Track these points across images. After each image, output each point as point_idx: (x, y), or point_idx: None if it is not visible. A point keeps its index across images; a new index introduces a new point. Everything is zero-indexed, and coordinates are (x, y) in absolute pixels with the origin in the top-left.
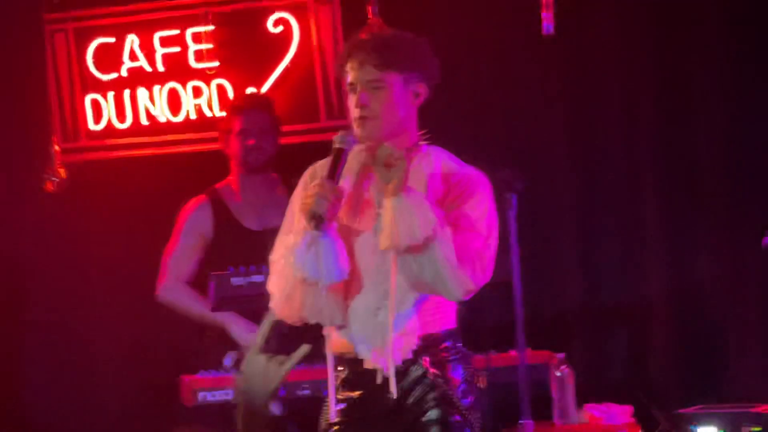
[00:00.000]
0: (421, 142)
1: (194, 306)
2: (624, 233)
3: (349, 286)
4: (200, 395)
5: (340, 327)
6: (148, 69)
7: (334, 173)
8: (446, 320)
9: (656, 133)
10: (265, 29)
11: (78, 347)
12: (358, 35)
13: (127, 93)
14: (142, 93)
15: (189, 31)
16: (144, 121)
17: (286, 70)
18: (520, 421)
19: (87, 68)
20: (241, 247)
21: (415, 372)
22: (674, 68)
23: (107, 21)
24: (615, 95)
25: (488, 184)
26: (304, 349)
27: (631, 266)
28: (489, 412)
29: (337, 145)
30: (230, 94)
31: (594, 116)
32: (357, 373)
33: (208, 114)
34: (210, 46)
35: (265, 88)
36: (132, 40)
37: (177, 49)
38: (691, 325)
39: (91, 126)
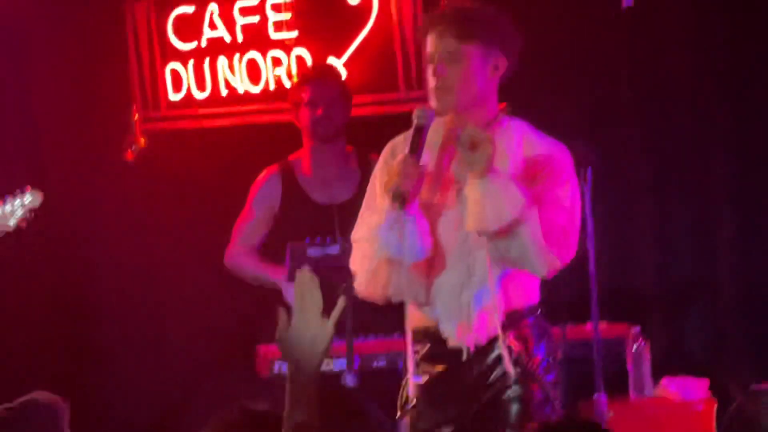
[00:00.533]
0: (502, 115)
1: (258, 270)
2: (699, 207)
3: (432, 264)
4: (276, 365)
5: (424, 304)
6: (228, 39)
7: (415, 150)
8: (529, 296)
9: (731, 108)
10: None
11: (153, 317)
12: (439, 6)
13: (206, 63)
14: (221, 63)
15: (269, 2)
16: (223, 91)
17: (366, 40)
18: (594, 396)
19: (167, 38)
20: (308, 220)
21: (499, 348)
22: (748, 45)
23: None
24: (688, 70)
25: (570, 158)
26: (342, 302)
27: (706, 240)
28: (564, 386)
29: (417, 121)
30: (309, 64)
31: (667, 88)
32: (440, 349)
33: (288, 84)
34: (289, 16)
35: (344, 59)
36: (212, 10)
37: (256, 18)
38: (765, 303)
39: (171, 96)
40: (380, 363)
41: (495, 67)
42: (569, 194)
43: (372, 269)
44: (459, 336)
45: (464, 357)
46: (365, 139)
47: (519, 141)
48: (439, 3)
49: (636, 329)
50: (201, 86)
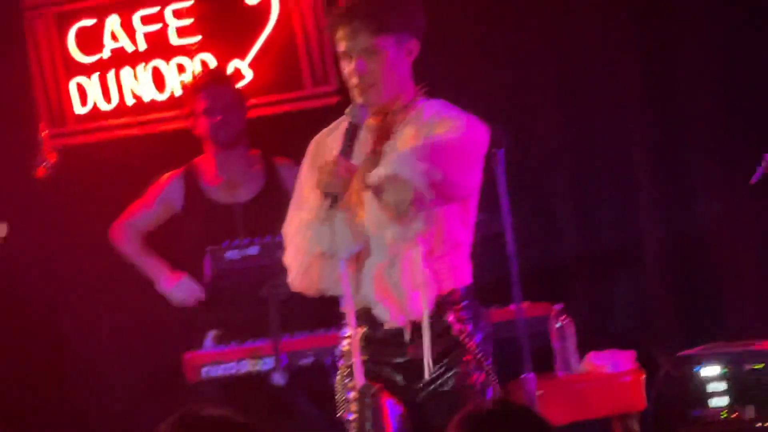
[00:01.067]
0: (419, 97)
1: (146, 264)
2: (617, 180)
3: (360, 252)
4: (203, 371)
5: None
6: (131, 48)
7: (348, 149)
8: (462, 276)
9: (645, 77)
10: (243, 1)
11: (75, 332)
12: (344, 0)
13: (111, 74)
14: (126, 73)
15: (169, 8)
16: (129, 100)
17: (268, 40)
18: (522, 376)
19: (69, 52)
20: (211, 221)
21: (437, 328)
22: (661, 14)
23: (86, 3)
24: (602, 41)
25: (477, 123)
26: None
27: (626, 213)
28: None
29: (350, 120)
30: (209, 68)
31: (582, 64)
32: (378, 332)
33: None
34: (190, 21)
35: (248, 60)
36: (113, 21)
37: (158, 26)
38: (689, 268)
39: (78, 109)
40: (307, 360)
41: (409, 51)
42: (460, 133)
43: (305, 264)
44: (393, 317)
45: (407, 337)
46: (274, 138)
47: (428, 116)
48: None
49: (559, 306)
50: (107, 98)
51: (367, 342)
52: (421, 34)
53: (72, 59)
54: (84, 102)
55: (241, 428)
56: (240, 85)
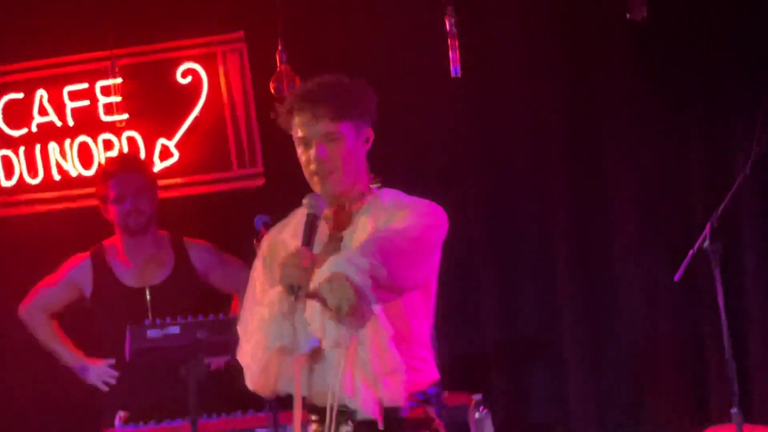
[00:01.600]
0: (373, 186)
1: (57, 345)
2: (539, 273)
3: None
4: None
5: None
6: (59, 123)
7: (308, 241)
8: (432, 370)
9: (568, 175)
10: (174, 80)
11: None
12: (302, 86)
13: (38, 148)
14: (52, 148)
15: (98, 85)
16: (56, 175)
17: (197, 119)
18: None
19: None
20: (121, 304)
21: (415, 424)
22: (584, 103)
23: (15, 77)
24: (526, 133)
25: (436, 209)
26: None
27: (547, 306)
28: None
29: (309, 211)
30: (141, 145)
31: (507, 161)
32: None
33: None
34: (119, 98)
35: (175, 140)
36: (41, 95)
37: (86, 102)
38: (608, 362)
39: (3, 182)
40: None
41: (366, 139)
42: (416, 221)
43: (264, 361)
44: (365, 406)
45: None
46: (198, 218)
47: (385, 203)
48: (299, 83)
49: (478, 396)
50: (33, 172)
51: None
52: (374, 122)
53: None
54: (9, 175)
55: None
56: (167, 164)
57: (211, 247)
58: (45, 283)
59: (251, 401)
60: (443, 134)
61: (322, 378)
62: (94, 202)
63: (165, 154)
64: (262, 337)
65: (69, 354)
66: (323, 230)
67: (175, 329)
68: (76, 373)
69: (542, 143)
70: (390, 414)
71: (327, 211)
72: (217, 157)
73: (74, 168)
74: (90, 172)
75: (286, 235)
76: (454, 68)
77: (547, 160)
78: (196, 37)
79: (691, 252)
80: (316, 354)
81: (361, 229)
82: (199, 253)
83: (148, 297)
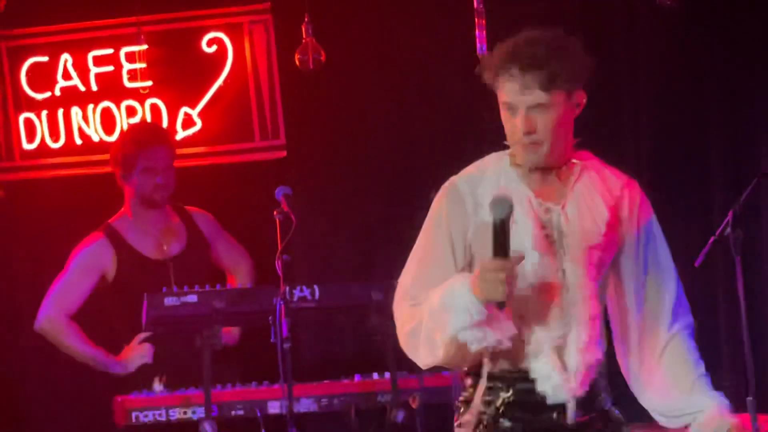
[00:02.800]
0: (577, 150)
1: (72, 341)
2: None
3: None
4: (133, 415)
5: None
6: (82, 88)
7: (502, 251)
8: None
9: None
10: (199, 48)
11: (11, 366)
12: (510, 43)
13: (60, 112)
14: (75, 112)
15: (122, 51)
16: (77, 140)
17: (220, 89)
18: None
19: (21, 87)
20: (146, 278)
21: (598, 406)
22: (606, 86)
23: (41, 40)
24: None
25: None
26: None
27: None
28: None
29: (497, 216)
30: (164, 113)
31: None
32: (530, 399)
33: None
34: (143, 65)
35: (198, 109)
36: (66, 59)
37: (110, 68)
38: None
39: (25, 145)
40: (238, 412)
41: (577, 105)
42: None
43: (447, 348)
44: (561, 391)
45: (569, 414)
46: (223, 186)
47: (600, 179)
48: (512, 38)
49: None
50: (55, 136)
51: (511, 406)
52: (588, 84)
53: (23, 94)
54: (31, 138)
55: None
56: (189, 132)
57: (213, 217)
58: (57, 283)
59: (266, 373)
60: (464, 112)
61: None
62: None
63: (188, 122)
64: (444, 323)
65: (102, 357)
66: (528, 197)
67: (192, 298)
68: (115, 373)
69: None
70: None
71: (531, 176)
72: (239, 128)
73: (96, 133)
74: (112, 138)
75: (481, 197)
76: (481, 46)
77: None
78: (222, 7)
79: (712, 238)
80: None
81: (582, 203)
82: (204, 221)
83: (169, 269)
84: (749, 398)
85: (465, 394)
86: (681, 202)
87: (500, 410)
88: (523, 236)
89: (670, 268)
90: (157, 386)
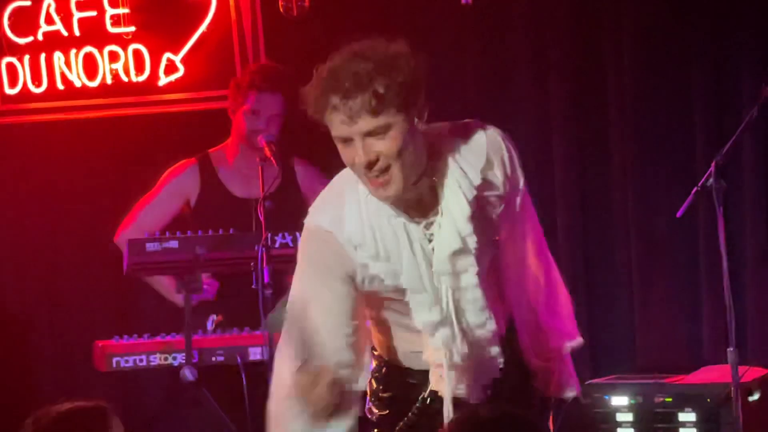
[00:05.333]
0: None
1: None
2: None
3: None
4: (114, 361)
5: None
6: (65, 33)
7: None
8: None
9: (570, 110)
10: None
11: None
12: (327, 67)
13: (43, 57)
14: (58, 57)
15: None
16: (60, 85)
17: (203, 35)
18: None
19: (3, 31)
20: (226, 213)
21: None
22: (589, 43)
23: None
24: (528, 69)
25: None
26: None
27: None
28: None
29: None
30: (147, 59)
31: (510, 91)
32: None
33: (125, 79)
34: (127, 10)
35: (181, 55)
36: (48, 4)
37: (93, 13)
38: (600, 298)
39: (7, 90)
40: (219, 358)
41: (421, 115)
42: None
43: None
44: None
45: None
46: (205, 133)
47: (453, 148)
48: (320, 67)
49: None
50: (37, 81)
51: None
52: (428, 87)
53: (5, 38)
54: (13, 83)
55: (93, 412)
56: (171, 78)
57: (317, 170)
58: (145, 200)
59: (248, 320)
60: (450, 62)
61: None
62: (97, 113)
63: (170, 68)
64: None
65: (169, 285)
66: (402, 224)
67: (173, 243)
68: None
69: (544, 76)
70: None
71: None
72: (222, 75)
73: (78, 79)
74: (94, 83)
75: (355, 239)
76: None
77: (547, 92)
78: None
79: (694, 189)
80: None
81: (452, 219)
82: (304, 171)
83: (254, 209)
84: (730, 349)
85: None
86: (664, 154)
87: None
88: (411, 273)
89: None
90: (210, 325)
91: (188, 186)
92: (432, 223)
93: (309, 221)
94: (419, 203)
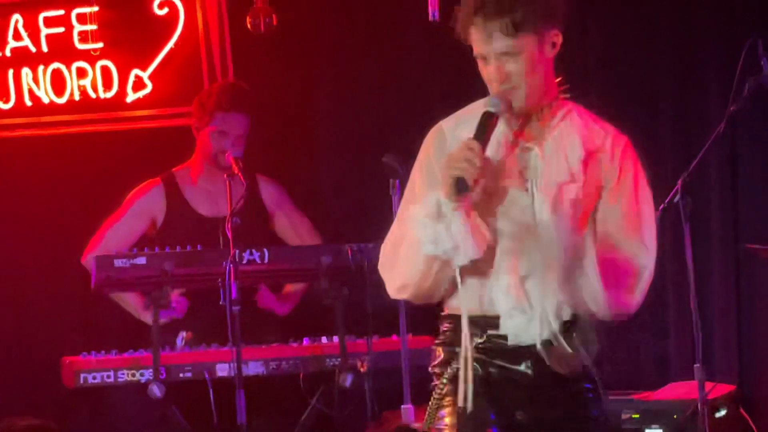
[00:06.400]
0: (562, 95)
1: (129, 298)
2: None
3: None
4: (81, 377)
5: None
6: (33, 49)
7: (482, 137)
8: (586, 301)
9: None
10: (151, 11)
11: None
12: None
13: (10, 73)
14: (25, 73)
15: (74, 12)
16: (28, 101)
17: (171, 52)
18: (402, 406)
19: None
20: (193, 232)
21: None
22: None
23: None
24: None
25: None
26: None
27: None
28: (372, 396)
29: (488, 108)
30: (115, 75)
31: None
32: (497, 344)
33: (93, 95)
34: (95, 27)
35: (149, 71)
36: (16, 20)
37: (61, 29)
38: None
39: None
40: (186, 374)
41: (552, 45)
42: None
43: (421, 263)
44: (523, 332)
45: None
46: (173, 149)
47: (583, 125)
48: None
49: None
50: (5, 97)
51: (484, 351)
52: (564, 23)
53: None
54: None
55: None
56: (139, 95)
57: (283, 188)
58: (111, 221)
59: (216, 335)
60: (417, 77)
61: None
62: (65, 129)
63: (138, 85)
64: (415, 238)
65: (139, 304)
66: (506, 135)
67: (141, 260)
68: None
69: None
70: None
71: (511, 117)
72: (190, 91)
73: (46, 95)
74: (62, 100)
75: (463, 133)
76: (432, 12)
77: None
78: None
79: (662, 206)
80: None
81: (560, 143)
82: (269, 190)
83: (220, 228)
84: (696, 365)
85: (442, 337)
86: None
87: (471, 355)
88: (496, 173)
89: (633, 228)
90: (180, 341)
91: (154, 206)
92: (527, 148)
93: (438, 123)
94: (528, 129)
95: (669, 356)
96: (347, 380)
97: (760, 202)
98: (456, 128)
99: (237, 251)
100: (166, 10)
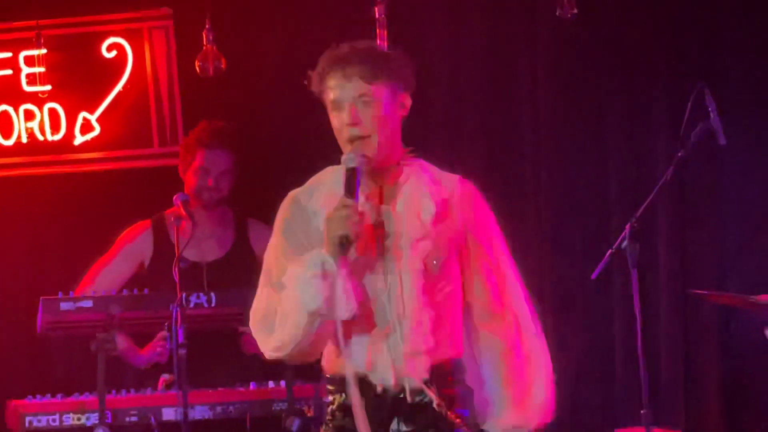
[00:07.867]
0: (408, 155)
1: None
2: None
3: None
4: (27, 420)
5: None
6: None
7: (352, 193)
8: (456, 347)
9: (485, 168)
10: (99, 53)
11: None
12: (335, 49)
13: None
14: None
15: (21, 54)
16: None
17: (120, 94)
18: None
19: None
20: (178, 276)
21: (421, 400)
22: (503, 102)
23: None
24: (447, 124)
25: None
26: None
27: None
28: None
29: (350, 165)
30: (63, 118)
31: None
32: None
33: (40, 138)
34: (42, 69)
35: (97, 114)
36: None
37: (9, 71)
38: None
39: None
40: (132, 418)
41: (402, 104)
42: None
43: (303, 322)
44: (383, 381)
45: (408, 399)
46: (121, 192)
47: (430, 180)
48: (335, 46)
49: None
50: None
51: (343, 409)
52: (412, 90)
53: None
54: None
55: None
56: (87, 137)
57: (271, 230)
58: (102, 263)
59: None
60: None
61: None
62: (13, 172)
63: (86, 127)
64: (297, 296)
65: (126, 347)
66: (362, 201)
67: (88, 303)
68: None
69: (462, 139)
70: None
71: (364, 180)
72: (138, 134)
73: None
74: (9, 142)
75: (316, 205)
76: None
77: (464, 155)
78: (123, 12)
79: (609, 251)
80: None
81: (410, 200)
82: (258, 233)
83: (203, 272)
84: (643, 411)
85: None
86: (579, 215)
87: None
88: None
89: (494, 271)
90: (162, 385)
91: (143, 249)
92: (380, 211)
93: (290, 193)
94: (379, 191)
95: (615, 400)
96: (294, 425)
97: (707, 248)
98: (311, 196)
99: (183, 295)
100: (114, 53)
